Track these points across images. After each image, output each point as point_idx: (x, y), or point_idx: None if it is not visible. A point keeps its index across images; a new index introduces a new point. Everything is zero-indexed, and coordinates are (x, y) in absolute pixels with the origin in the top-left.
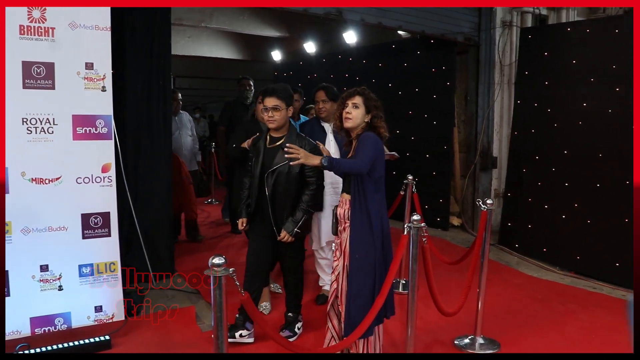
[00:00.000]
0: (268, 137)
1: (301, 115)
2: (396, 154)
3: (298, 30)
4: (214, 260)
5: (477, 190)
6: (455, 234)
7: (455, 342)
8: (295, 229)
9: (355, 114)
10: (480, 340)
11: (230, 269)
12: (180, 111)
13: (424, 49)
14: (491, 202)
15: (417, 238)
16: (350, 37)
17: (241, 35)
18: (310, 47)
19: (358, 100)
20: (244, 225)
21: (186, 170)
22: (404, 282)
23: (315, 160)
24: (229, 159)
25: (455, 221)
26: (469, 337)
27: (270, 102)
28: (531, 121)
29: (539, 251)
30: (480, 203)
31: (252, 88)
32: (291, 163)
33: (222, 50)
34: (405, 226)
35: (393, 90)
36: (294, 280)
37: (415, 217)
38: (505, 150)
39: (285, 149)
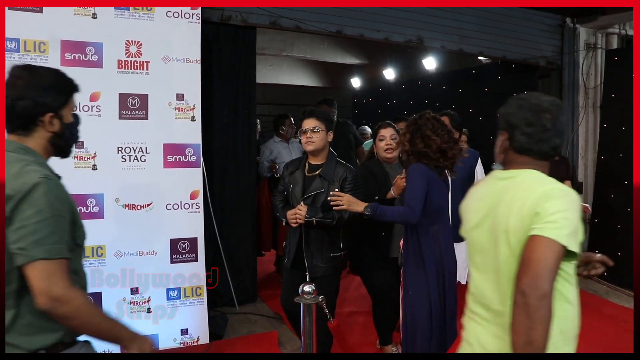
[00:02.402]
0: (307, 164)
1: None
2: (589, 207)
3: (378, 58)
4: (304, 288)
5: None
6: None
7: None
8: (314, 217)
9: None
10: None
11: (320, 297)
12: (293, 138)
13: (505, 73)
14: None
15: None
16: (430, 63)
17: (321, 63)
18: (389, 73)
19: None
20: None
21: None
22: None
23: (359, 208)
24: None
25: None
26: None
27: (310, 123)
28: (619, 145)
29: (630, 280)
30: None
31: (332, 110)
32: (335, 209)
33: (301, 78)
34: None
35: (474, 115)
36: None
37: None
38: (591, 175)
39: (329, 198)
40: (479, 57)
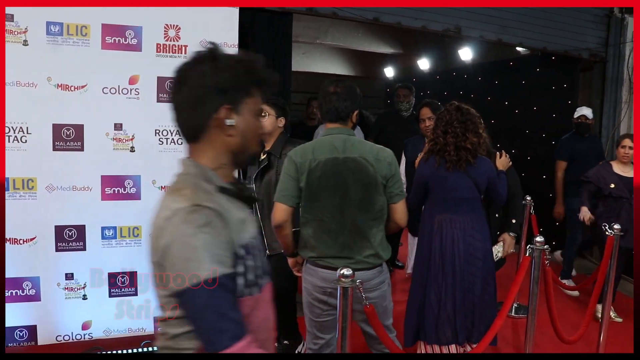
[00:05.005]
0: (263, 152)
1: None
2: None
3: (413, 47)
4: (342, 272)
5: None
6: None
7: None
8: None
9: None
10: None
11: (357, 281)
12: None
13: (544, 65)
14: (618, 227)
15: (540, 260)
16: (466, 53)
17: (354, 51)
18: (424, 63)
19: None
20: None
21: None
22: (516, 305)
23: None
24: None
25: None
26: None
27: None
28: None
29: None
30: (607, 228)
31: (410, 98)
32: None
33: (334, 67)
34: (528, 247)
35: (509, 108)
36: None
37: (539, 238)
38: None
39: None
40: (518, 48)
